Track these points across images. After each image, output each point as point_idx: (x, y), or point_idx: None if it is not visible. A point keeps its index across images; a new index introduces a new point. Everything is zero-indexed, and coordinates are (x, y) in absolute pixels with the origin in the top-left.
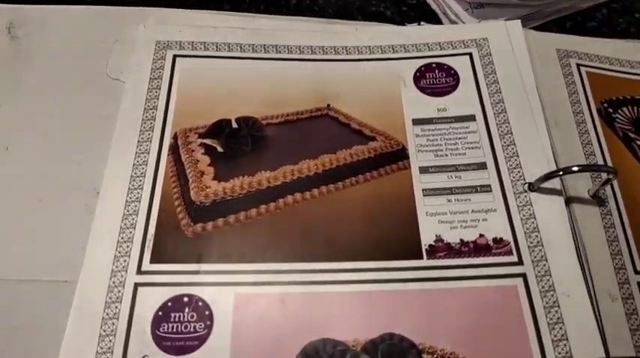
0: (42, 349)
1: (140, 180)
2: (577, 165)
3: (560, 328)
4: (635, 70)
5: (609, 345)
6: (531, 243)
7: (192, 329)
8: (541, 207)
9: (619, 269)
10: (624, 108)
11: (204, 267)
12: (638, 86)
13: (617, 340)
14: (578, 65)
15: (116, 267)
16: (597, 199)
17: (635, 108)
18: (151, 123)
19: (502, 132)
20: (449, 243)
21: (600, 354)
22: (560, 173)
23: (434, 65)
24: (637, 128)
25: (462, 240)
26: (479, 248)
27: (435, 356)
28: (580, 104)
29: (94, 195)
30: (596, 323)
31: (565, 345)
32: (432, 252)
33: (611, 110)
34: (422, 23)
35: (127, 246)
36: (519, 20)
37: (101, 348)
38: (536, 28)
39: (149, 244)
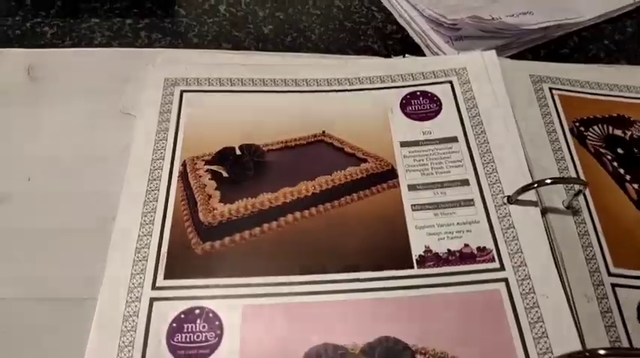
0: None
1: (153, 205)
2: (550, 178)
3: (541, 326)
4: (604, 91)
5: (586, 340)
6: (511, 250)
7: (203, 339)
8: (519, 217)
9: (593, 272)
10: (595, 127)
11: (213, 281)
12: (607, 106)
13: (593, 336)
14: (550, 89)
15: (132, 283)
16: (572, 209)
17: (605, 125)
18: (162, 152)
19: (482, 151)
20: (437, 253)
21: (577, 347)
22: (535, 185)
23: (418, 93)
24: (607, 144)
25: (449, 249)
26: (464, 256)
27: (427, 356)
28: (553, 124)
29: (110, 219)
30: (573, 320)
31: (545, 342)
32: (422, 261)
33: (582, 129)
34: (406, 55)
35: (142, 265)
36: (494, 50)
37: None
38: (513, 57)
39: (162, 262)
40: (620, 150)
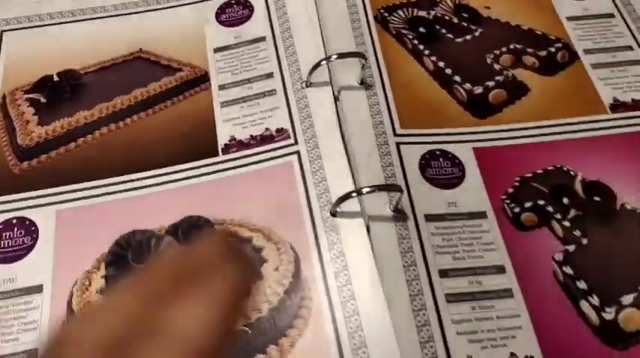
0: None
1: None
2: (336, 54)
3: (325, 184)
4: None
5: (364, 190)
6: (305, 126)
7: (20, 243)
8: (314, 98)
9: (380, 134)
10: (399, 11)
11: (30, 194)
12: None
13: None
14: None
15: None
16: (365, 85)
17: (410, 9)
18: None
19: (286, 45)
20: (240, 140)
21: (350, 184)
22: (324, 62)
23: (233, 1)
24: (410, 25)
25: (251, 135)
26: (264, 139)
27: (224, 224)
28: (357, 14)
29: None
30: (351, 174)
31: (327, 196)
32: (227, 149)
33: (386, 14)
34: None
35: None
36: None
37: None
38: None
39: None
40: (422, 29)
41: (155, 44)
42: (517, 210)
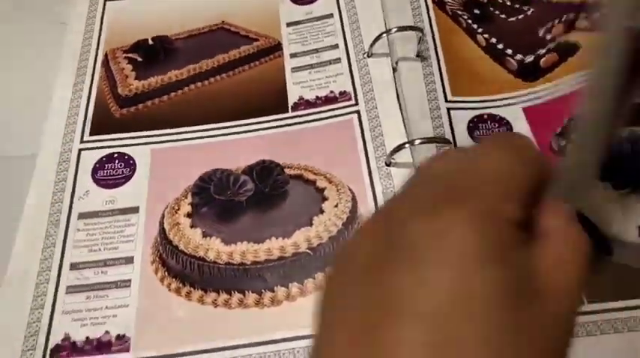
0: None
1: (80, 86)
2: (396, 27)
3: (381, 139)
4: None
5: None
6: (365, 90)
7: (120, 173)
8: (374, 66)
9: (432, 100)
10: None
11: (128, 135)
12: None
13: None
14: None
15: (65, 140)
16: (421, 57)
17: None
18: (88, 47)
19: (351, 21)
20: (308, 100)
21: (404, 140)
22: (384, 35)
23: None
24: (465, 7)
25: (317, 96)
26: (328, 99)
27: (293, 169)
28: None
29: (49, 96)
30: (405, 131)
31: (383, 149)
32: (296, 107)
33: None
34: None
35: (73, 127)
36: None
37: (56, 189)
38: None
39: (88, 123)
40: (476, 11)
41: (236, 17)
42: (563, 143)
